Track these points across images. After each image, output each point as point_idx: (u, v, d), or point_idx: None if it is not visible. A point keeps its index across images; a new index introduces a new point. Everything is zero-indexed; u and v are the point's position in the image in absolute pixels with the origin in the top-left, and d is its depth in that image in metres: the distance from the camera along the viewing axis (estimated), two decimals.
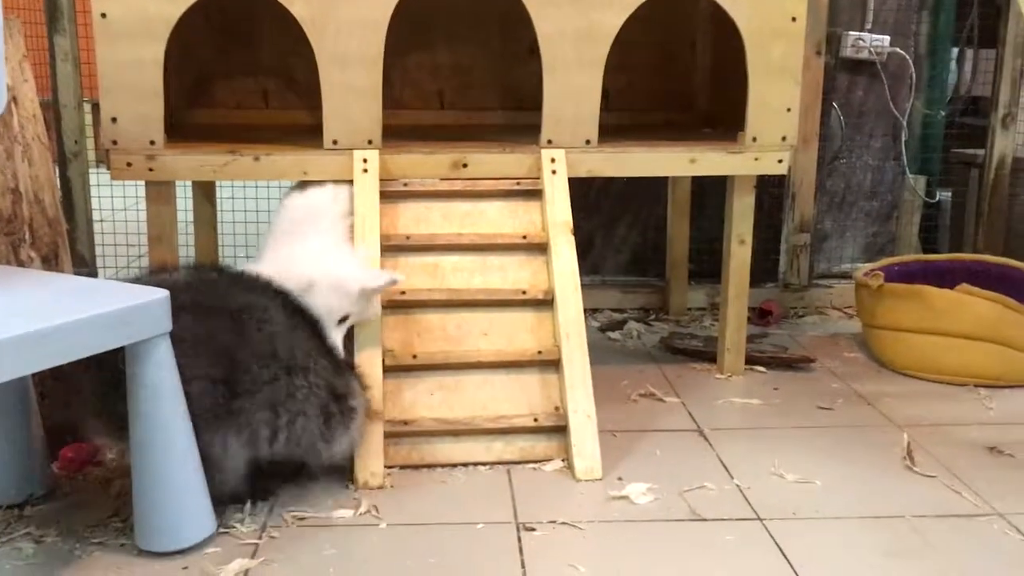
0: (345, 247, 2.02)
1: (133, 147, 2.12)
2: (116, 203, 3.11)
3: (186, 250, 2.53)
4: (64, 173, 2.79)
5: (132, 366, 1.52)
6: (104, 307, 1.45)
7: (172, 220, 2.23)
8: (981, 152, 3.06)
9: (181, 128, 2.42)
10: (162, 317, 1.52)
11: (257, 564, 1.56)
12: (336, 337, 1.89)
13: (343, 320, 1.91)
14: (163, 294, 1.53)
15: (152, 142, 2.12)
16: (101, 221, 2.99)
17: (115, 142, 2.11)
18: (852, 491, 1.83)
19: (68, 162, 2.80)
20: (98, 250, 2.93)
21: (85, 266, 2.83)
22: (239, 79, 2.65)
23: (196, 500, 1.60)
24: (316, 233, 2.02)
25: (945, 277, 2.54)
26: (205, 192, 2.72)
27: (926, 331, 2.43)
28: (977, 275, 2.55)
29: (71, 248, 2.22)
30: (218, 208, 2.78)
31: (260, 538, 1.64)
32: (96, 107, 2.17)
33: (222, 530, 1.65)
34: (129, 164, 2.13)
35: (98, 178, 2.90)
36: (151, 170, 2.14)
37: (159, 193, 2.19)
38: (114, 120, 2.10)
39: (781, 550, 1.62)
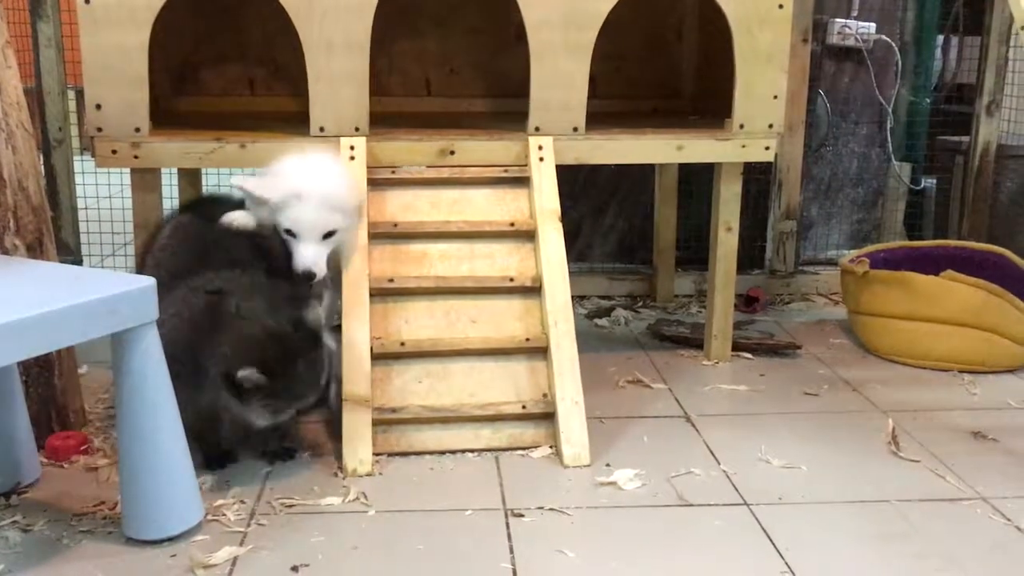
0: (338, 165, 1.98)
1: (118, 134, 2.10)
2: (101, 190, 3.09)
3: None
4: (48, 160, 2.77)
5: (118, 355, 1.52)
6: (90, 295, 1.44)
7: (157, 207, 2.22)
8: (966, 139, 3.07)
9: (166, 115, 2.40)
10: (148, 305, 1.52)
11: (245, 551, 1.56)
12: (317, 252, 1.87)
13: (329, 235, 1.89)
14: (150, 282, 1.53)
15: (137, 129, 2.11)
16: (86, 209, 2.97)
17: (100, 129, 2.10)
18: (837, 476, 1.85)
19: (52, 149, 2.78)
20: (83, 238, 2.91)
21: (70, 254, 2.81)
22: (225, 66, 2.64)
23: (184, 488, 1.59)
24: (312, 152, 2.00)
25: (930, 264, 2.55)
26: (191, 179, 2.71)
27: (911, 317, 2.44)
28: (962, 262, 2.57)
29: (56, 236, 2.20)
30: None
31: (248, 526, 1.64)
32: (80, 94, 2.15)
33: (210, 518, 1.65)
34: (114, 151, 2.11)
35: (83, 165, 2.88)
36: (136, 157, 2.12)
37: (144, 180, 2.18)
38: (99, 107, 2.09)
39: (767, 535, 1.63)
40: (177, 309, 1.75)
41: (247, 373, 1.63)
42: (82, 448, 1.88)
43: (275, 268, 1.87)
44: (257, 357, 1.65)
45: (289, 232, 1.88)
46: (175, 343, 1.69)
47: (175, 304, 1.75)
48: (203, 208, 2.02)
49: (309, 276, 1.87)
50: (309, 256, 1.87)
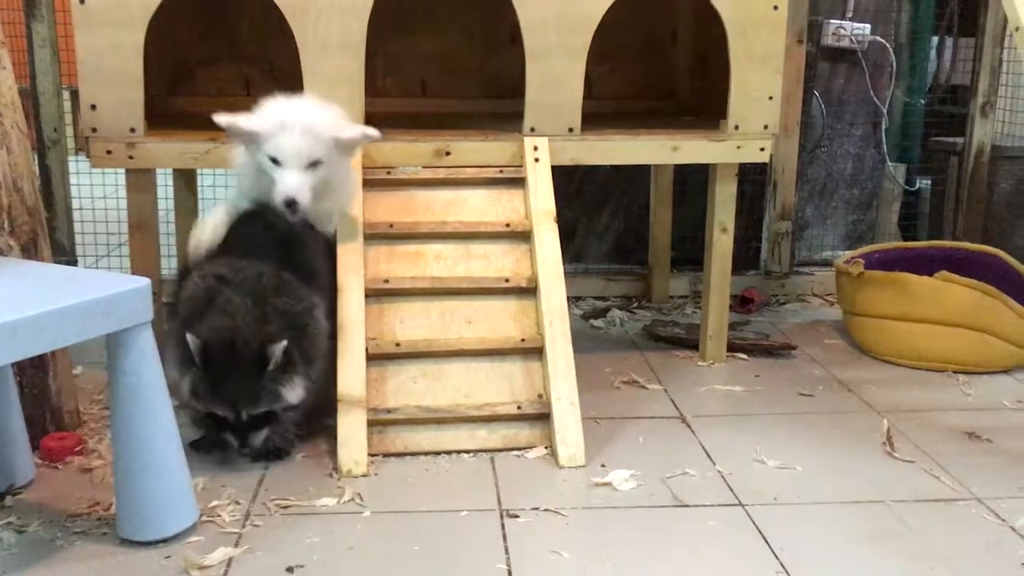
0: (328, 109, 2.01)
1: (113, 135, 2.10)
2: (96, 191, 3.08)
3: (167, 238, 2.52)
4: (43, 161, 2.76)
5: (113, 355, 1.51)
6: (85, 296, 1.44)
7: (152, 208, 2.22)
8: (960, 140, 3.08)
9: (161, 115, 2.40)
10: (143, 306, 1.52)
11: (240, 552, 1.56)
12: (301, 179, 1.89)
13: (314, 165, 1.91)
14: (144, 283, 1.52)
15: (132, 129, 2.11)
16: (80, 209, 2.96)
17: (95, 129, 2.10)
18: (833, 476, 1.85)
19: (47, 150, 2.77)
20: (78, 239, 2.91)
21: (65, 255, 2.81)
22: (220, 66, 2.64)
23: (178, 489, 1.59)
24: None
25: (924, 264, 2.56)
26: (186, 180, 2.70)
27: (906, 318, 2.45)
28: (956, 262, 2.57)
29: (50, 237, 2.20)
30: (199, 196, 2.77)
31: (243, 527, 1.64)
32: (75, 94, 2.15)
33: (205, 519, 1.65)
34: (109, 152, 2.11)
35: (77, 166, 2.87)
36: (131, 158, 2.12)
37: (139, 181, 2.18)
38: (93, 107, 2.09)
39: (763, 535, 1.63)
40: (184, 289, 1.87)
41: (193, 339, 1.75)
42: (77, 449, 1.88)
43: (297, 264, 1.93)
44: (210, 341, 1.76)
45: (275, 161, 1.91)
46: (176, 320, 1.83)
47: (185, 287, 1.88)
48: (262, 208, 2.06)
49: (291, 202, 1.89)
50: (292, 182, 1.89)
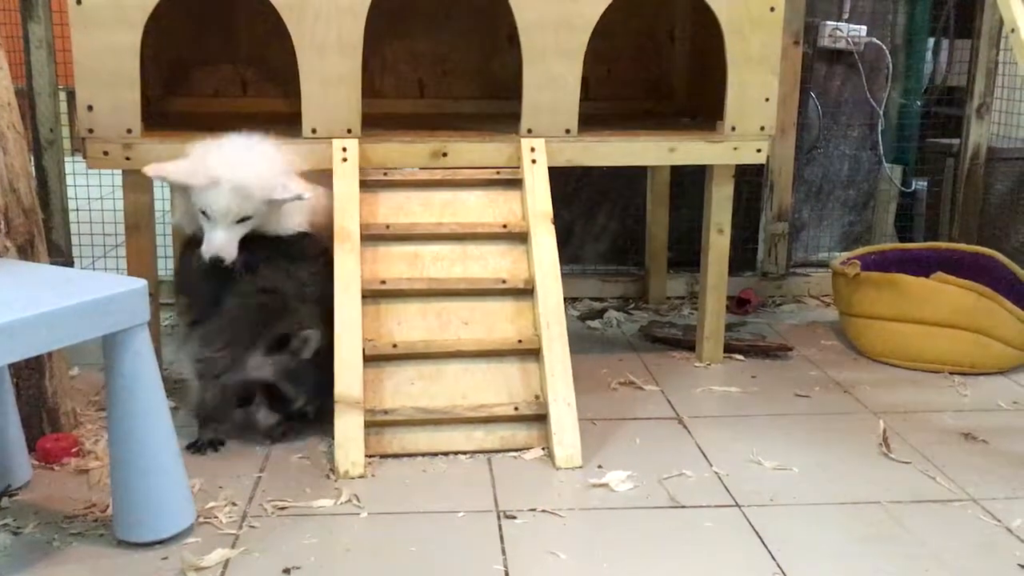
0: (267, 151, 1.99)
1: (110, 135, 2.10)
2: (92, 192, 3.08)
3: (163, 240, 2.52)
4: (39, 162, 2.76)
5: (110, 356, 1.51)
6: (81, 297, 1.44)
7: (149, 209, 2.22)
8: (956, 141, 3.08)
9: (158, 116, 2.40)
10: (140, 307, 1.51)
11: (238, 554, 1.55)
12: (227, 236, 1.90)
13: (243, 220, 1.92)
14: (141, 284, 1.52)
15: (129, 130, 2.10)
16: (77, 210, 2.96)
17: (91, 130, 2.10)
18: (829, 477, 1.85)
19: (43, 151, 2.77)
20: (74, 240, 2.90)
21: (61, 256, 2.80)
22: (217, 67, 2.63)
23: (175, 490, 1.59)
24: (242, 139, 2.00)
25: (921, 266, 2.56)
26: None
27: (902, 319, 2.45)
28: (952, 264, 2.58)
29: (47, 238, 2.20)
30: None
31: (240, 528, 1.64)
32: (72, 95, 2.15)
33: (202, 520, 1.65)
34: (106, 153, 2.11)
35: (74, 167, 2.87)
36: (128, 159, 2.12)
37: (136, 182, 2.17)
38: (90, 108, 2.08)
39: (759, 536, 1.64)
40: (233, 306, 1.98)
41: (315, 333, 1.91)
42: (73, 450, 1.87)
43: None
44: (274, 336, 1.92)
45: (204, 214, 1.91)
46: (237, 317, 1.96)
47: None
48: None
49: (217, 260, 1.90)
50: (216, 241, 1.90)
